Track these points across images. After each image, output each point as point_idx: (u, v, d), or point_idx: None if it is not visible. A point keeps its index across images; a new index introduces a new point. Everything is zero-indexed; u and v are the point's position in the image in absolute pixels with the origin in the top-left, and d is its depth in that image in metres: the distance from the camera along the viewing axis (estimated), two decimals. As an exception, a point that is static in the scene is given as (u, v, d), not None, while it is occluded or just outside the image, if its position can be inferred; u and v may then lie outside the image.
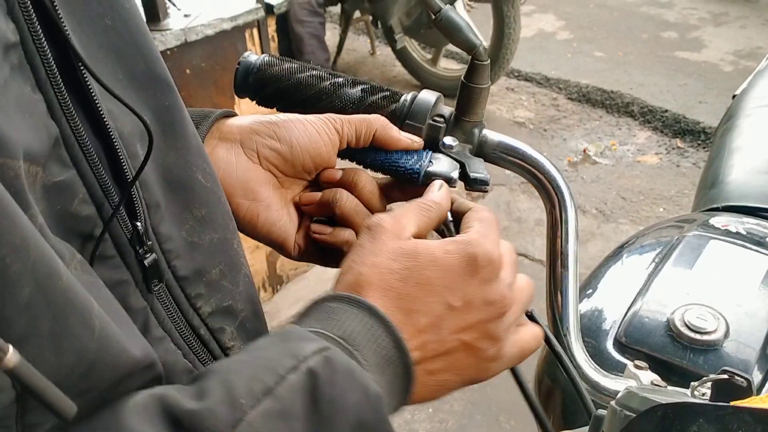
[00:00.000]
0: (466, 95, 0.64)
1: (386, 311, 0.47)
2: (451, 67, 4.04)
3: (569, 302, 0.62)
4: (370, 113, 0.66)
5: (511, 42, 3.48)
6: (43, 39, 0.38)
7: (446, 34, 0.61)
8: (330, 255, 0.64)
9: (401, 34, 3.68)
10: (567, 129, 3.66)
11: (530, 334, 0.55)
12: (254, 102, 0.71)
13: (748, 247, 0.87)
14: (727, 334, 0.75)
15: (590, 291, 0.87)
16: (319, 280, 2.54)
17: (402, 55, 3.85)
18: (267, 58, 0.69)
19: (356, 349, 0.45)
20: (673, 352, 0.75)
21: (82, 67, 0.41)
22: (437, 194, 0.57)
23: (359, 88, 0.67)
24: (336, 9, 4.12)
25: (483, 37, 3.54)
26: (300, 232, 0.64)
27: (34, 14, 0.37)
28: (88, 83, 0.41)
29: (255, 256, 2.37)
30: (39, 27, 0.38)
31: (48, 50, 0.38)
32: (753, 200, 1.17)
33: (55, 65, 0.39)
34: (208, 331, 0.51)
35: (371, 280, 0.49)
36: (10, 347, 0.29)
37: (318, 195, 0.63)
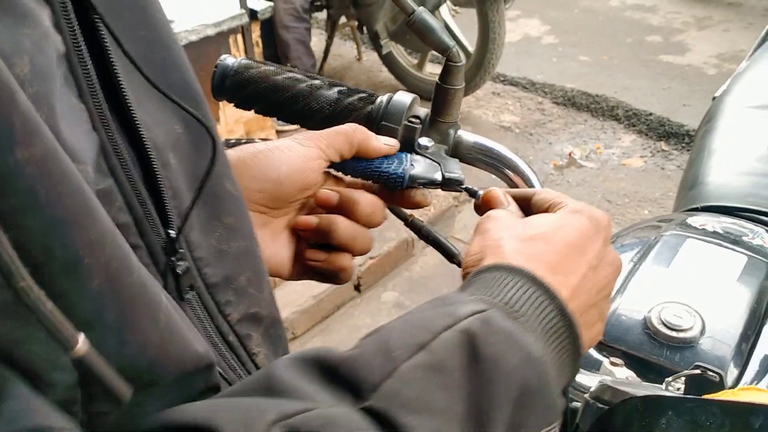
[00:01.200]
0: (441, 96, 0.64)
1: (542, 276, 0.47)
2: (437, 71, 4.05)
3: None
4: (346, 115, 0.66)
5: (496, 46, 3.50)
6: (84, 50, 0.39)
7: (420, 36, 0.62)
8: (328, 274, 0.64)
9: (387, 40, 3.69)
10: (552, 133, 3.68)
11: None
12: (232, 104, 0.71)
13: (724, 245, 0.88)
14: (702, 332, 0.76)
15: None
16: (305, 284, 2.53)
17: (388, 61, 3.86)
18: (244, 60, 0.69)
19: (521, 315, 0.44)
20: (650, 349, 0.76)
21: (120, 77, 0.42)
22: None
23: (336, 90, 0.67)
24: (322, 15, 4.13)
25: (468, 42, 3.56)
26: (295, 256, 0.64)
27: (77, 26, 0.38)
28: (125, 94, 0.42)
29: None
30: (81, 39, 0.39)
31: (88, 61, 0.39)
32: (731, 200, 1.19)
33: (95, 76, 0.40)
34: (237, 337, 0.51)
35: (516, 249, 0.49)
36: (81, 335, 0.30)
37: (314, 221, 0.62)
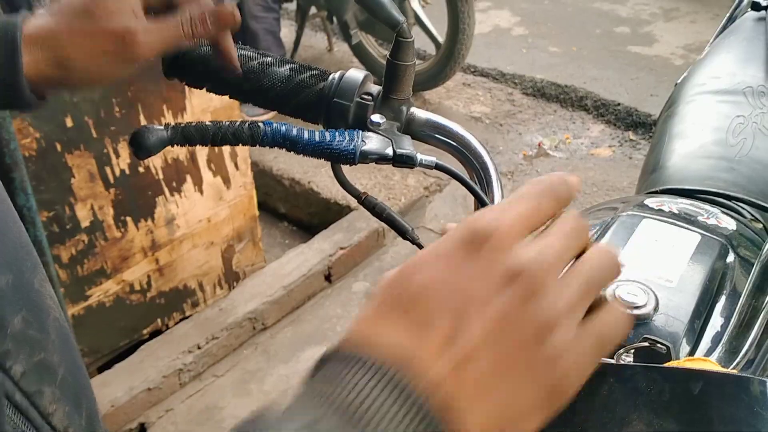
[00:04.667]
0: (392, 73, 0.64)
1: (393, 345, 0.33)
2: (407, 62, 4.05)
3: None
4: (298, 92, 0.66)
5: (465, 37, 3.50)
6: None
7: (369, 11, 0.62)
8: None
9: (356, 30, 3.68)
10: (522, 123, 3.69)
11: (611, 316, 0.37)
12: (183, 83, 0.70)
13: (679, 225, 0.89)
14: (656, 308, 0.77)
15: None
16: (275, 275, 2.53)
17: (358, 51, 3.85)
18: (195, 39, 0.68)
19: (367, 424, 0.31)
20: None
21: None
22: None
23: (287, 67, 0.67)
24: (291, 5, 4.10)
25: (438, 33, 3.56)
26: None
27: None
28: None
29: (210, 253, 2.36)
30: None
31: None
32: (690, 183, 1.20)
33: None
34: (24, 396, 0.42)
35: (367, 314, 0.36)
36: None
37: None
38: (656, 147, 1.41)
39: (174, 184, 2.15)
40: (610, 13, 4.87)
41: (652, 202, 0.97)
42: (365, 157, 0.61)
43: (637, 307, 0.76)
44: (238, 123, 0.62)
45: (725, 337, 0.68)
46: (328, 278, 2.66)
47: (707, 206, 1.00)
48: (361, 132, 0.63)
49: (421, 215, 3.03)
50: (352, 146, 0.61)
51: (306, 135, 0.61)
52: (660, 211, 0.94)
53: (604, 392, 0.49)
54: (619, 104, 3.71)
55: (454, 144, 0.65)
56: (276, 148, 0.63)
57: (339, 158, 0.62)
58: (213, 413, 2.13)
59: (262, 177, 3.07)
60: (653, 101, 3.71)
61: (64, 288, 1.95)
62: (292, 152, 0.62)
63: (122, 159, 1.98)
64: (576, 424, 0.51)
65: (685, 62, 4.10)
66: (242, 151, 2.31)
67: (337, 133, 0.62)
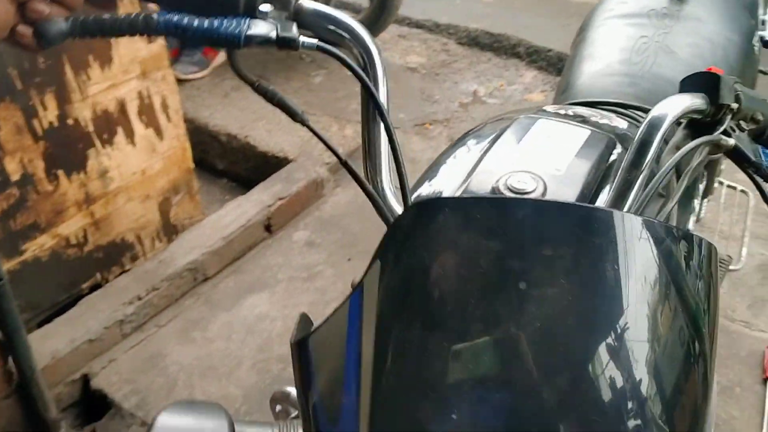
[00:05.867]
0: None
1: None
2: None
3: (380, 152, 0.68)
4: None
5: (398, -12, 3.51)
6: None
7: None
8: None
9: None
10: (458, 72, 3.74)
11: None
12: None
13: (572, 123, 0.94)
14: (544, 194, 0.82)
15: (431, 176, 0.93)
16: (214, 227, 2.54)
17: None
18: None
19: None
20: None
21: None
22: None
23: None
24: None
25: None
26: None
27: None
28: None
29: (146, 206, 2.36)
30: None
31: None
32: (595, 96, 1.26)
33: None
34: None
35: None
36: None
37: None
38: (567, 69, 1.46)
39: (105, 136, 2.14)
40: (543, -37, 4.92)
41: (551, 108, 1.02)
42: (250, 41, 0.65)
43: (526, 193, 0.82)
44: (133, 15, 0.65)
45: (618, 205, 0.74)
46: (268, 228, 2.69)
47: (603, 111, 1.06)
48: (248, 18, 0.66)
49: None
50: (237, 30, 0.65)
51: (196, 22, 0.65)
52: (556, 114, 0.99)
53: (441, 219, 0.56)
54: (550, 50, 3.78)
55: (340, 31, 0.69)
56: (170, 36, 0.66)
57: (226, 42, 0.65)
58: (157, 361, 2.15)
59: (198, 134, 3.06)
60: (584, 46, 3.79)
61: (-3, 242, 1.95)
62: (180, 38, 0.66)
63: (50, 111, 1.96)
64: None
65: (615, 8, 4.19)
66: (174, 102, 2.30)
67: (225, 20, 0.65)
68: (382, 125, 0.69)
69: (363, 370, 0.58)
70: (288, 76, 3.58)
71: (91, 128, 2.09)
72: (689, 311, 0.64)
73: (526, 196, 0.81)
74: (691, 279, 0.65)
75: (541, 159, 0.87)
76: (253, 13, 0.67)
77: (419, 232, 0.60)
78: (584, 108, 1.06)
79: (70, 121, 2.02)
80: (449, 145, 1.01)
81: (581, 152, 0.89)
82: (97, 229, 2.22)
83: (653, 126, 0.75)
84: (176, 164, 2.39)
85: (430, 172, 0.93)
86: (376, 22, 3.61)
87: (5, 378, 1.89)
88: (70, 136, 2.04)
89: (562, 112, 1.00)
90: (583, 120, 0.98)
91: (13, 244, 2.00)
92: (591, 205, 0.71)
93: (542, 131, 0.93)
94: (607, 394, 0.56)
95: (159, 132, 2.29)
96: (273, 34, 0.65)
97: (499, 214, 0.60)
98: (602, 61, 1.39)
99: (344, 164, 0.67)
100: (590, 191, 0.84)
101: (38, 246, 2.07)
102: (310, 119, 0.68)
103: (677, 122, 0.79)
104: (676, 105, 0.77)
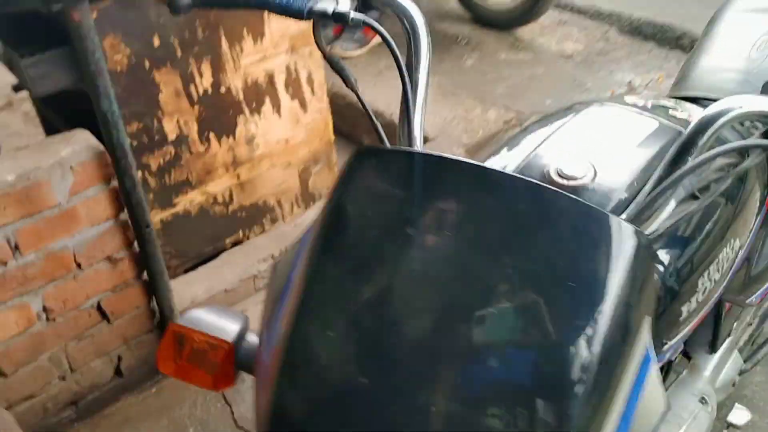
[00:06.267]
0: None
1: None
2: (501, 0, 4.06)
3: (417, 114, 0.78)
4: None
5: (558, -27, 3.48)
6: None
7: None
8: None
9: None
10: (615, 62, 3.65)
11: None
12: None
13: (643, 114, 0.96)
14: (593, 180, 0.85)
15: (494, 154, 0.98)
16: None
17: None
18: None
19: None
20: None
21: None
22: None
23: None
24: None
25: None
26: None
27: None
28: None
29: (288, 173, 2.53)
30: None
31: None
32: (701, 91, 1.24)
33: None
34: None
35: None
36: None
37: None
38: (686, 62, 1.44)
39: (254, 105, 2.32)
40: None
41: (629, 99, 1.04)
42: (311, 14, 0.76)
43: (573, 179, 0.85)
44: None
45: (639, 197, 0.76)
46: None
47: (688, 105, 1.05)
48: None
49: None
50: (303, 5, 0.76)
51: None
52: (634, 105, 1.00)
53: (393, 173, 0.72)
54: (718, 43, 3.58)
55: (396, 11, 0.79)
56: (253, 8, 0.78)
57: (294, 13, 0.77)
58: (282, 315, 2.32)
59: (350, 109, 3.21)
60: (756, 40, 3.56)
61: (153, 194, 2.18)
62: (246, 7, 0.77)
63: (205, 79, 2.16)
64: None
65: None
66: (318, 77, 2.45)
67: None
68: (419, 95, 0.78)
69: (291, 290, 0.71)
70: (441, 57, 3.66)
71: (241, 97, 2.28)
72: (579, 274, 0.69)
73: (574, 182, 0.85)
74: (590, 250, 0.70)
75: (599, 147, 0.90)
76: None
77: (349, 177, 0.74)
78: (668, 101, 1.05)
79: (222, 89, 2.22)
80: (521, 127, 1.05)
81: (644, 143, 0.90)
82: (242, 190, 2.42)
83: (703, 125, 0.75)
84: (318, 136, 2.55)
85: (493, 151, 0.98)
86: (534, 5, 3.60)
87: (149, 315, 2.13)
88: (222, 102, 2.24)
89: (640, 103, 1.01)
90: (655, 111, 0.98)
91: (167, 197, 2.24)
92: (491, 168, 0.78)
93: (609, 120, 0.95)
94: (477, 335, 0.66)
95: (303, 104, 2.44)
96: (330, 9, 0.75)
97: (421, 169, 0.72)
98: (719, 56, 1.35)
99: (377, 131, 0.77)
100: (641, 181, 0.86)
101: (189, 201, 2.30)
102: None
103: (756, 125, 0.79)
104: (733, 105, 0.76)
